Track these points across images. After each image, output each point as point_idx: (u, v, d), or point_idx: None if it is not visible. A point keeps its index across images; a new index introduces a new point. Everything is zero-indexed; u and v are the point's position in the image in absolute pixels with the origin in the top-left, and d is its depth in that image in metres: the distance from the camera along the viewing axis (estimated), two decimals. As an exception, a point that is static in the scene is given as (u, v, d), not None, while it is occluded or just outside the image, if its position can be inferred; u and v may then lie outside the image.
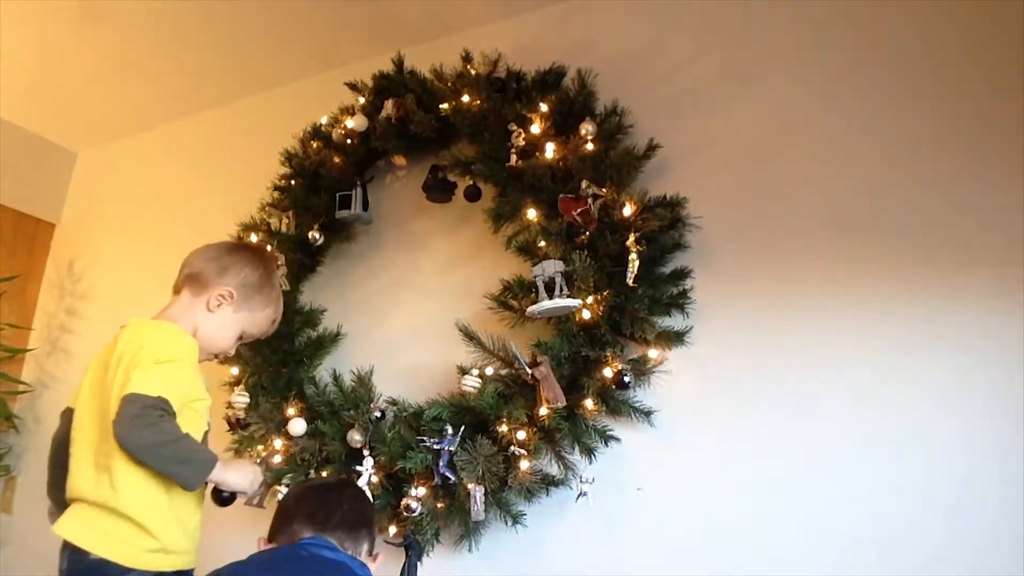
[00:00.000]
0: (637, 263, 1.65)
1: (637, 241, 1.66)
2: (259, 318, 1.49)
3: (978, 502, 1.42)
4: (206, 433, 1.40)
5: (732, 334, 1.71)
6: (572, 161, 1.76)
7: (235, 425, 2.06)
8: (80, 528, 1.22)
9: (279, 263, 2.00)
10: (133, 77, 2.59)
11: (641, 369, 1.70)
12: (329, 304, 2.22)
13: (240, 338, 1.49)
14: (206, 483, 1.33)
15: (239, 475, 1.35)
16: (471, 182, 1.99)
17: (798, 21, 1.81)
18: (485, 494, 1.68)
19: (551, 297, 1.67)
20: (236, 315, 1.44)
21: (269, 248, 2.07)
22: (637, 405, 1.70)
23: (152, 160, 2.94)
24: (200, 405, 1.36)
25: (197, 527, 1.35)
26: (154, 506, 1.24)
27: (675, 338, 1.71)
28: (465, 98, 1.94)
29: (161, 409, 1.17)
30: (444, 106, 1.96)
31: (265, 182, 2.29)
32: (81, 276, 3.01)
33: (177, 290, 1.46)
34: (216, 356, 1.49)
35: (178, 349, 1.29)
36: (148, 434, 1.16)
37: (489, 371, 1.78)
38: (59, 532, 1.24)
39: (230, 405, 2.07)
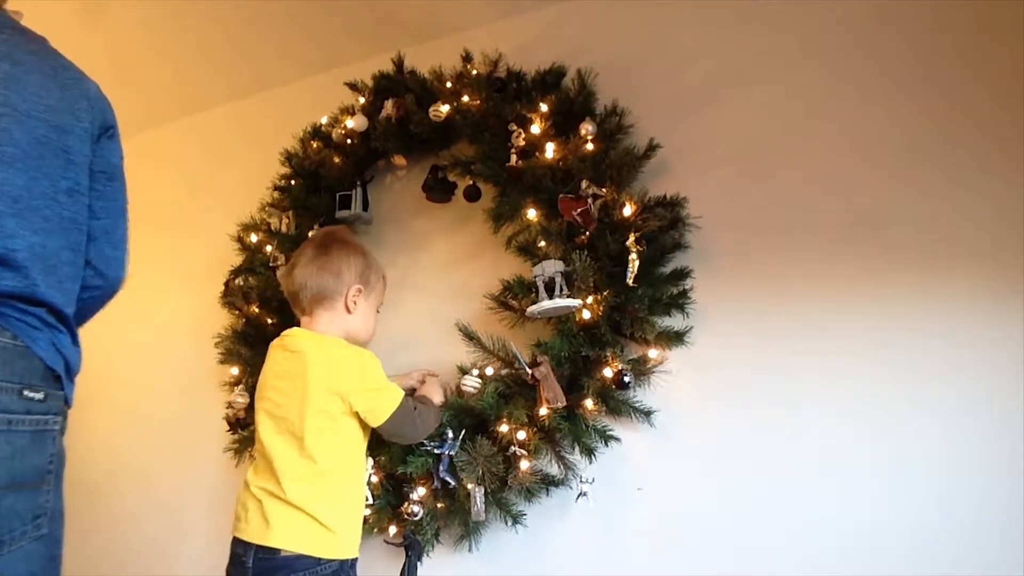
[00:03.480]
0: (637, 263, 1.65)
1: (637, 241, 1.66)
2: (379, 288, 1.65)
3: (973, 500, 1.43)
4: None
5: (732, 334, 1.71)
6: (572, 161, 1.76)
7: (235, 425, 2.06)
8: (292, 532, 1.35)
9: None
10: (132, 77, 2.58)
11: (641, 369, 1.70)
12: (329, 304, 2.22)
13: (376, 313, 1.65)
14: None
15: (440, 392, 1.73)
16: (471, 182, 1.99)
17: (797, 21, 1.81)
18: (485, 494, 1.68)
19: (551, 297, 1.67)
20: (368, 301, 1.60)
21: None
22: (637, 405, 1.70)
23: (152, 160, 2.94)
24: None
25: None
26: (339, 504, 1.40)
27: (675, 338, 1.71)
28: (465, 98, 1.94)
29: (411, 406, 1.52)
30: (437, 110, 1.94)
31: (265, 182, 2.29)
32: (81, 276, 3.00)
33: (306, 311, 1.55)
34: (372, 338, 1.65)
35: (357, 354, 1.50)
36: (426, 426, 1.57)
37: (489, 371, 1.78)
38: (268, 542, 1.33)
39: (230, 405, 2.07)
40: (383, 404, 1.46)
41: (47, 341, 0.95)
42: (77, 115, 1.03)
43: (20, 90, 0.95)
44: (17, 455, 0.89)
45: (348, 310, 1.54)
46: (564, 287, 1.67)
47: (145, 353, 2.53)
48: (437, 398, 1.69)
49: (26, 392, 0.91)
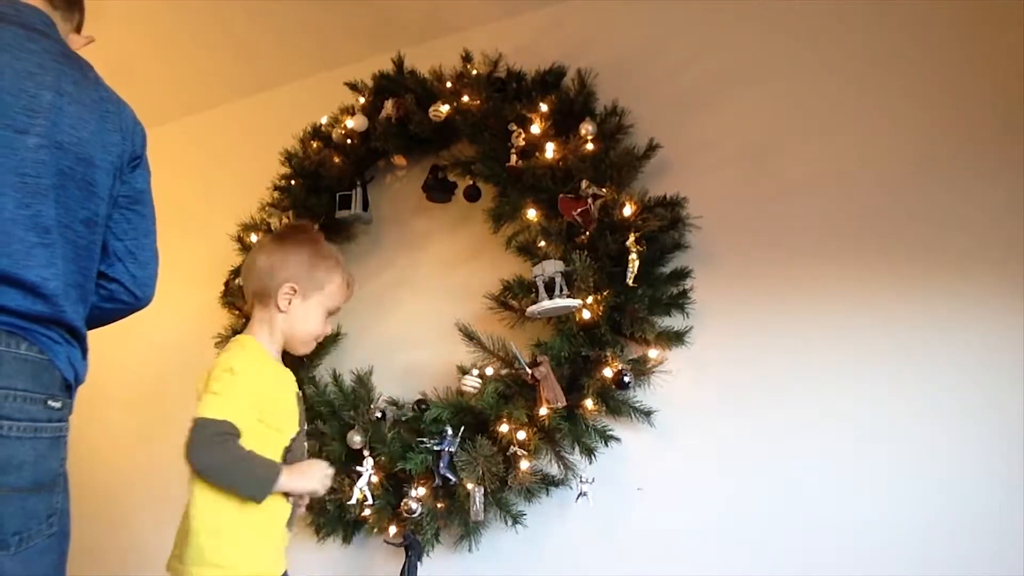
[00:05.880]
0: (637, 263, 1.65)
1: (637, 241, 1.66)
2: (331, 290, 1.47)
3: (973, 501, 1.43)
4: (286, 449, 1.33)
5: (732, 334, 1.71)
6: (572, 161, 1.76)
7: (235, 425, 2.06)
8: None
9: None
10: (132, 77, 2.58)
11: (641, 369, 1.70)
12: (329, 304, 2.22)
13: (329, 315, 1.49)
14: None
15: (304, 479, 1.32)
16: (471, 182, 1.99)
17: (798, 21, 1.81)
18: (485, 494, 1.68)
19: (551, 297, 1.67)
20: (308, 301, 1.43)
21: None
22: (637, 405, 1.70)
23: (152, 160, 2.94)
24: (280, 423, 1.33)
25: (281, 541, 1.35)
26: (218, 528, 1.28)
27: (675, 338, 1.71)
28: (465, 98, 1.94)
29: (225, 433, 1.24)
30: (437, 110, 1.94)
31: (265, 182, 2.29)
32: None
33: (251, 308, 1.48)
34: (316, 340, 1.50)
35: (238, 360, 1.31)
36: (212, 457, 1.25)
37: (489, 371, 1.78)
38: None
39: (230, 405, 2.07)
40: (198, 408, 1.25)
41: (64, 355, 1.03)
42: (107, 148, 1.08)
43: (59, 121, 1.00)
44: (40, 459, 0.96)
45: (279, 308, 1.41)
46: (564, 287, 1.67)
47: (145, 352, 2.53)
48: (301, 484, 1.31)
49: (49, 402, 0.99)
